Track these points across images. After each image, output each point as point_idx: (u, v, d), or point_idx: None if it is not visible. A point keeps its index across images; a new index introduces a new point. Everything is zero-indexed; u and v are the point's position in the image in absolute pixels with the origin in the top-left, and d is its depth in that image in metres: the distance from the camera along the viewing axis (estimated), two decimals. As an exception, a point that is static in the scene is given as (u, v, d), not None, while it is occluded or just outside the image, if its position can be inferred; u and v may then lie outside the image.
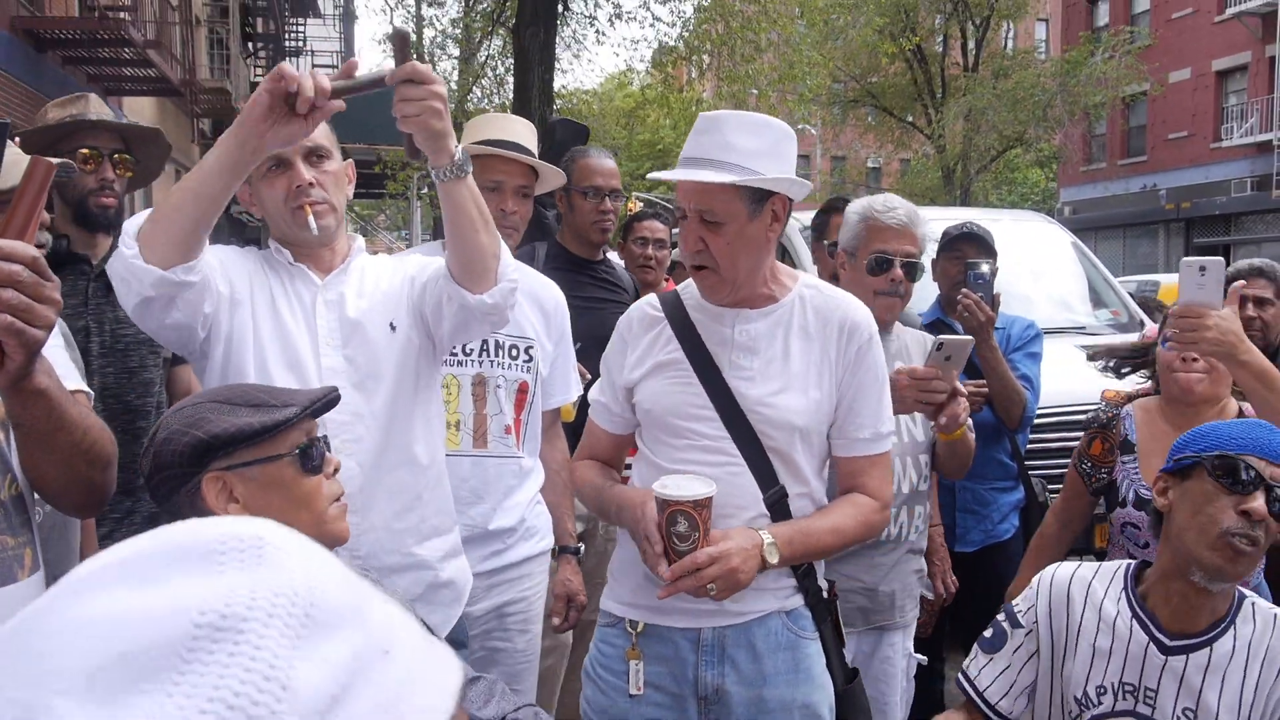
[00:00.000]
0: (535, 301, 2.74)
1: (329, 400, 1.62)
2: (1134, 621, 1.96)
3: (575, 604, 2.81)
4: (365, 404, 2.07)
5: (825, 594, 2.18)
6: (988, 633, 2.13)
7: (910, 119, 28.56)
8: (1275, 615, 1.92)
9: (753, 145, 1.99)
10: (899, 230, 2.75)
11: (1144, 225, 29.65)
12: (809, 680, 2.12)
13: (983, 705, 2.07)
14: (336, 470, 1.65)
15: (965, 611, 3.37)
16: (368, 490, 2.05)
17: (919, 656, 2.84)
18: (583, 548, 2.96)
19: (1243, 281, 2.52)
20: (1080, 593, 2.04)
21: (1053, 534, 2.89)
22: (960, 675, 2.13)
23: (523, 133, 2.86)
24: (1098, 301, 6.04)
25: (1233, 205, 26.60)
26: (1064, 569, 2.10)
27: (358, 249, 2.22)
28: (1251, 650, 1.88)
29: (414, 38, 16.53)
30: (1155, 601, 1.95)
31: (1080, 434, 2.90)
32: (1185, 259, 2.25)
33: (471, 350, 2.63)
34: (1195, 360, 2.59)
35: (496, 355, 2.66)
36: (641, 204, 6.24)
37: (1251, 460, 1.83)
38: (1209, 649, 1.90)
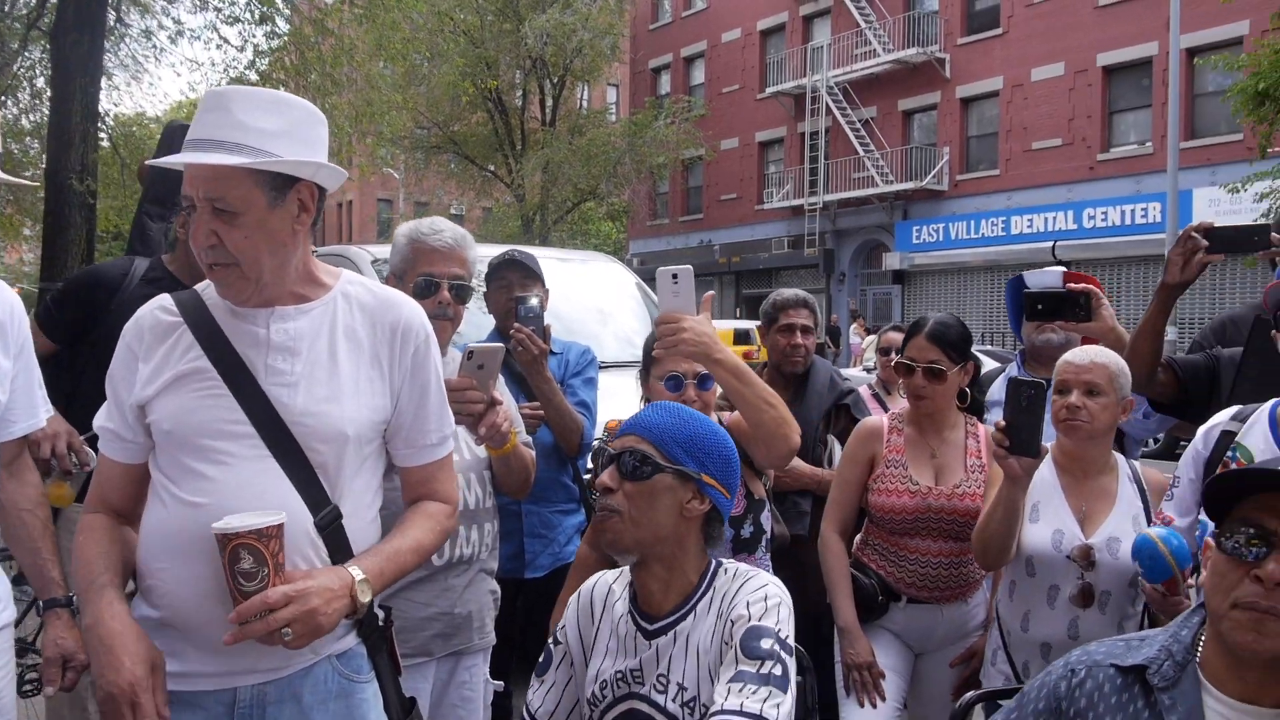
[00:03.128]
0: None
1: None
2: (629, 614, 2.01)
3: (74, 664, 2.19)
4: None
5: (381, 622, 1.98)
6: (541, 658, 2.11)
7: (492, 168, 29.24)
8: (729, 569, 2.00)
9: (269, 125, 1.78)
10: (445, 253, 2.70)
11: (702, 277, 32.17)
12: None
13: None
14: None
15: (535, 638, 3.35)
16: None
17: (496, 683, 2.76)
18: (76, 597, 2.24)
19: (712, 293, 2.66)
20: (601, 598, 2.07)
21: (586, 557, 2.93)
22: (525, 710, 2.08)
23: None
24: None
25: (773, 261, 29.99)
26: (603, 578, 2.12)
27: None
28: (713, 608, 1.94)
29: None
30: (641, 591, 2.00)
31: None
32: (660, 268, 2.39)
33: None
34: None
35: None
36: None
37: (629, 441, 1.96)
38: (681, 623, 1.95)
